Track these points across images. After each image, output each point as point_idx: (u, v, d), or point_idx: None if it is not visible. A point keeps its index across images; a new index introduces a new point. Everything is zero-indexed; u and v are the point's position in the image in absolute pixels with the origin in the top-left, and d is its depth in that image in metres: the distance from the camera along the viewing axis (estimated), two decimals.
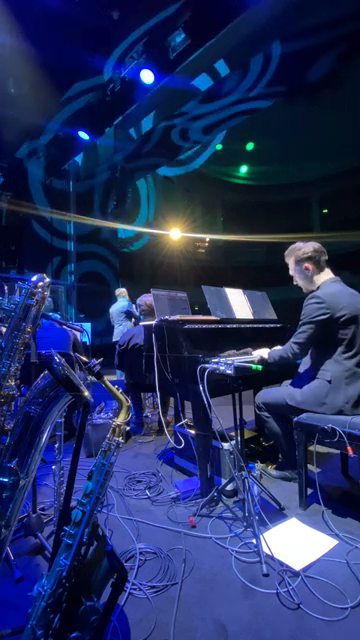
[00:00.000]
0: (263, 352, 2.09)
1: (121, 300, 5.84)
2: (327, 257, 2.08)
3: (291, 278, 2.19)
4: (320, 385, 1.92)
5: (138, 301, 3.42)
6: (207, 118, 7.35)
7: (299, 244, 2.11)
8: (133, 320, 5.53)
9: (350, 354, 1.89)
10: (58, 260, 9.37)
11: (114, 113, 6.54)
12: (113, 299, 6.10)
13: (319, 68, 6.28)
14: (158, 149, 8.32)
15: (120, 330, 5.62)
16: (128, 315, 5.57)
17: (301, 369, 2.16)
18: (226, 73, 6.21)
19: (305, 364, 2.13)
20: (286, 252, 2.16)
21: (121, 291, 5.93)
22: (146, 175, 11.04)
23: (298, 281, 2.14)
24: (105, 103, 6.36)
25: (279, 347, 2.09)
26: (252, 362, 1.79)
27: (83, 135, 7.09)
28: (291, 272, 2.17)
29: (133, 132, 8.13)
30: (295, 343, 1.94)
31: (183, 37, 4.83)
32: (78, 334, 3.36)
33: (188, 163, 12.90)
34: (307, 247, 2.06)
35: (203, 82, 6.30)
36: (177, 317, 2.22)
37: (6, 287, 1.31)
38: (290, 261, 2.15)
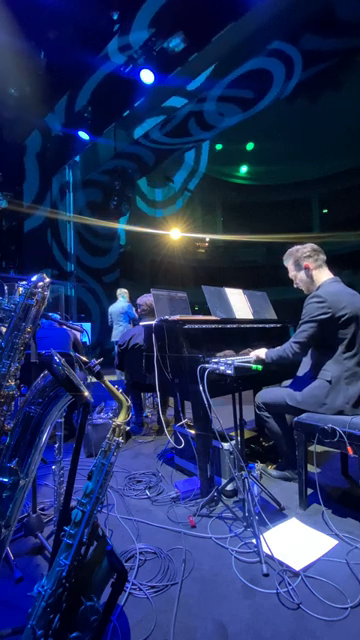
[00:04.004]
0: (260, 352, 2.08)
1: (121, 300, 5.83)
2: (325, 257, 2.09)
3: (291, 279, 2.19)
4: (320, 385, 1.92)
5: (138, 301, 3.43)
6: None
7: (296, 246, 2.13)
8: (131, 320, 5.56)
9: (350, 354, 1.89)
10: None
11: (114, 113, 6.54)
12: (113, 300, 6.09)
13: (319, 68, 6.28)
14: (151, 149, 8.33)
15: (120, 330, 5.62)
16: (132, 320, 5.61)
17: (301, 369, 2.16)
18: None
19: (305, 364, 2.13)
20: (284, 256, 2.18)
21: (123, 291, 5.90)
22: (145, 175, 11.03)
23: (298, 283, 2.15)
24: (104, 103, 6.37)
25: (277, 348, 2.09)
26: (250, 362, 1.79)
27: (83, 135, 7.09)
28: (291, 274, 2.17)
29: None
30: (296, 342, 1.94)
31: (183, 37, 4.83)
32: (78, 334, 3.36)
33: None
34: (305, 247, 2.09)
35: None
36: (177, 317, 2.22)
37: (6, 287, 1.31)
38: (289, 263, 2.16)
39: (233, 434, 2.10)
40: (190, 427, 2.29)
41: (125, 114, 6.57)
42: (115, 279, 10.36)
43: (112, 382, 1.15)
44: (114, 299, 6.05)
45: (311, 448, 1.82)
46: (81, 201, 9.77)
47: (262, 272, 12.71)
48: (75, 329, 2.86)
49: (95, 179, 9.65)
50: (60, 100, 6.75)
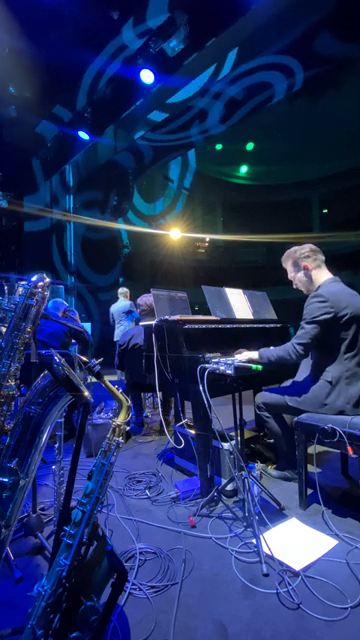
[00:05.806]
0: (252, 354, 2.01)
1: (122, 299, 5.85)
2: (324, 257, 2.09)
3: (291, 280, 2.19)
4: (321, 386, 1.92)
5: (138, 301, 3.43)
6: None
7: (294, 247, 2.12)
8: (134, 319, 5.57)
9: (351, 354, 1.88)
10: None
11: (114, 113, 6.54)
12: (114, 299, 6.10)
13: (319, 68, 6.28)
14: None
15: (121, 330, 5.63)
16: (128, 314, 5.62)
17: (301, 369, 2.16)
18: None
19: (305, 364, 2.12)
20: (283, 257, 2.17)
21: (124, 291, 5.92)
22: (145, 175, 11.03)
23: (298, 284, 2.14)
24: (105, 103, 6.36)
25: (272, 348, 2.07)
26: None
27: (83, 135, 7.08)
28: (290, 275, 2.16)
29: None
30: (299, 344, 1.89)
31: (183, 37, 4.83)
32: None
33: (187, 163, 12.93)
34: (303, 248, 2.08)
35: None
36: (177, 317, 2.22)
37: (6, 287, 1.31)
38: (288, 264, 2.15)
39: (233, 434, 2.10)
40: (190, 427, 2.29)
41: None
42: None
43: (112, 382, 1.15)
44: (106, 304, 6.06)
45: (311, 448, 1.82)
46: (81, 200, 9.75)
47: (262, 272, 12.69)
48: (75, 329, 2.87)
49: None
50: (60, 100, 6.74)
